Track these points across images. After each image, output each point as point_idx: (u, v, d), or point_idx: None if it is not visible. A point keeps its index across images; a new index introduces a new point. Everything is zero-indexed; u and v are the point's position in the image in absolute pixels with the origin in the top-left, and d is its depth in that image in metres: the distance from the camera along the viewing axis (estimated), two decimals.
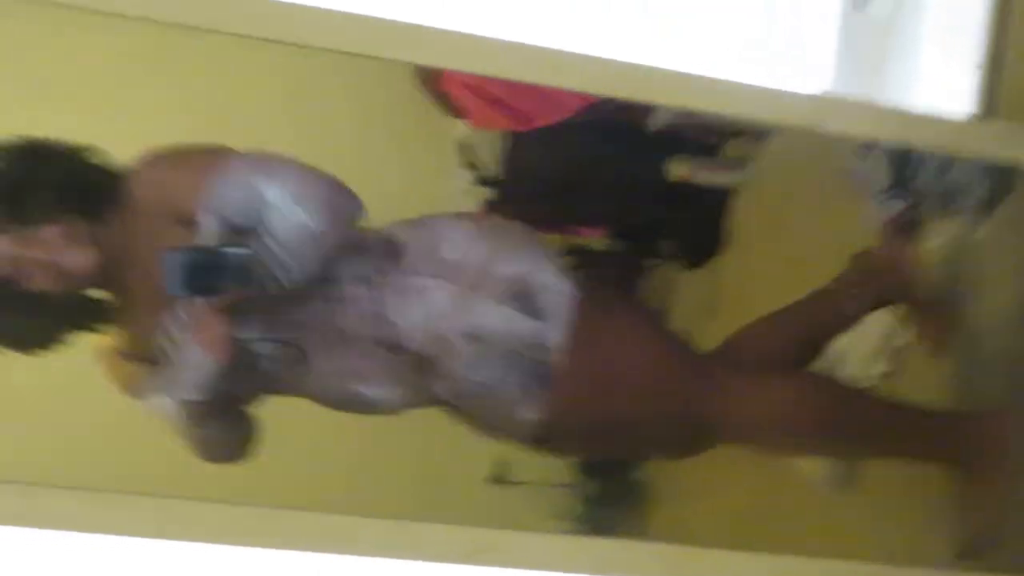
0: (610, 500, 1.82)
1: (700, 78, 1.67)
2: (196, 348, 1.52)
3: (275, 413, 1.61)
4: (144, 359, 1.55)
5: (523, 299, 1.66)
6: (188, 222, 1.54)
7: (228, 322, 1.52)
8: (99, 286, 1.56)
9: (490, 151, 1.80)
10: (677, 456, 1.79)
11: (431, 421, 1.70)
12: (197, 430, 1.56)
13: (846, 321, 1.85)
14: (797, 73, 1.98)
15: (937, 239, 1.91)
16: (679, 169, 1.87)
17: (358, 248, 1.63)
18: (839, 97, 1.91)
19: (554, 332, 1.65)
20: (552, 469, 1.80)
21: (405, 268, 1.63)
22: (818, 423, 1.75)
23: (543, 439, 1.68)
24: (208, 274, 1.48)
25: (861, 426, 1.78)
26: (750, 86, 1.69)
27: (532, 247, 1.71)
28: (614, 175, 1.85)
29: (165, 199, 1.56)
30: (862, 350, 1.87)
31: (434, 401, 1.65)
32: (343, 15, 1.51)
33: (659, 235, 1.88)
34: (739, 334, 1.80)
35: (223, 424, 1.58)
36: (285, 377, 1.61)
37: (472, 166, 1.80)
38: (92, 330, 1.57)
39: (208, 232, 1.53)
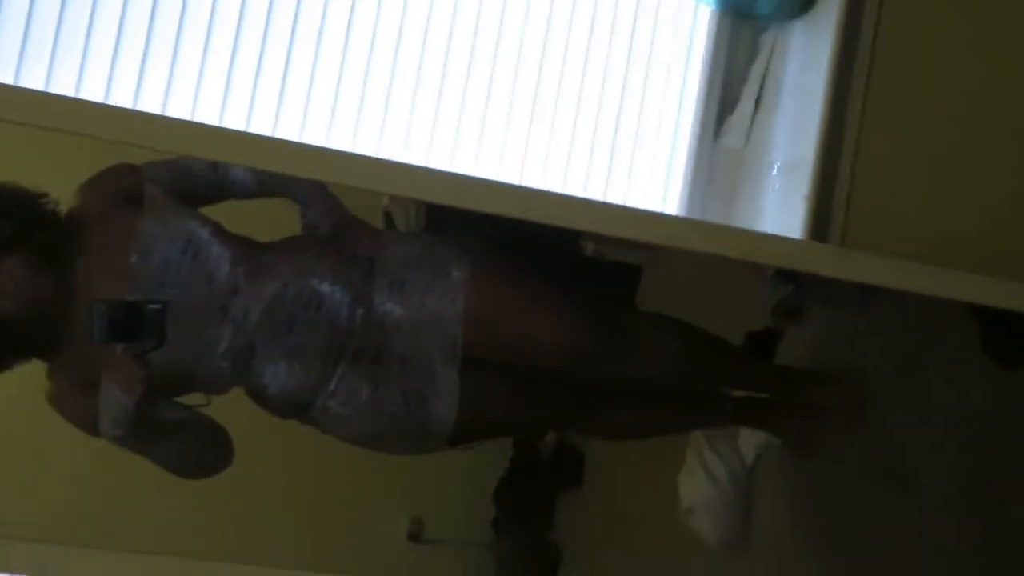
0: (524, 559, 1.95)
1: (571, 198, 1.88)
2: (113, 388, 1.66)
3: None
4: (88, 389, 1.67)
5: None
6: (133, 205, 1.71)
7: (143, 366, 1.66)
8: (49, 320, 1.68)
9: (406, 217, 1.91)
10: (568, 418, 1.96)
11: (349, 479, 1.84)
12: (155, 454, 1.70)
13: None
14: (651, 194, 2.23)
15: (820, 324, 2.10)
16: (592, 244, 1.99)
17: None
18: (693, 219, 2.14)
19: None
20: (467, 527, 1.91)
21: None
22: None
23: (467, 344, 1.82)
24: (128, 325, 1.65)
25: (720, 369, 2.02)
26: (616, 206, 1.90)
27: None
28: (531, 250, 1.93)
29: (108, 203, 1.72)
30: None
31: (370, 312, 1.79)
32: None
33: None
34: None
35: (177, 441, 1.73)
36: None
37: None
38: (40, 357, 1.68)
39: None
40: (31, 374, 1.67)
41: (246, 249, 1.77)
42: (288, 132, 2.06)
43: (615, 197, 2.20)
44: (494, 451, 1.94)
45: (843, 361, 2.12)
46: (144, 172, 1.74)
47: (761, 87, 2.23)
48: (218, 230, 1.75)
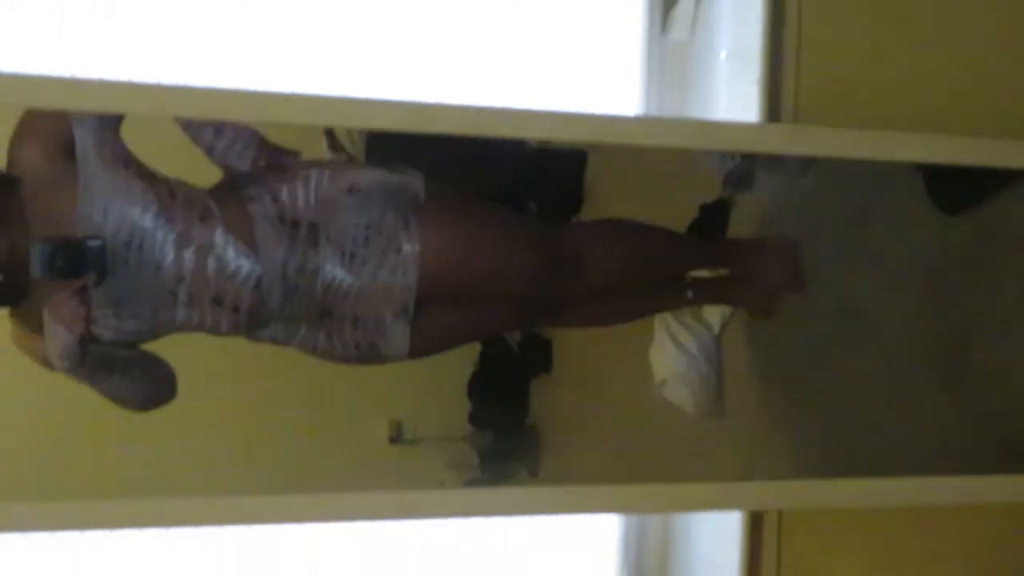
0: (504, 447, 2.03)
1: (526, 111, 1.93)
2: (57, 325, 1.73)
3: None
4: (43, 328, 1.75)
5: (389, 163, 1.92)
6: (66, 158, 1.75)
7: (86, 302, 1.73)
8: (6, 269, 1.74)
9: (349, 133, 1.96)
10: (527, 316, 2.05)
11: (325, 395, 1.94)
12: (101, 386, 1.80)
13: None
14: (610, 95, 2.29)
15: (769, 190, 2.17)
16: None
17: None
18: (650, 117, 2.21)
19: (418, 181, 1.92)
20: (445, 424, 2.00)
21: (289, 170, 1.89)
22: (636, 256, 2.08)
23: (420, 301, 1.91)
24: (68, 261, 1.71)
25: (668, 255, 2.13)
26: (571, 113, 1.96)
27: None
28: (475, 145, 1.96)
29: (39, 154, 1.75)
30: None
31: (317, 276, 1.87)
32: None
33: (524, 196, 2.06)
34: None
35: (123, 375, 1.82)
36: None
37: (335, 147, 1.96)
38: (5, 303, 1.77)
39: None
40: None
41: (190, 225, 1.81)
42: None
43: (576, 103, 2.27)
44: (464, 349, 2.03)
45: (794, 224, 2.19)
46: (72, 120, 1.76)
47: None
48: (161, 205, 1.79)
